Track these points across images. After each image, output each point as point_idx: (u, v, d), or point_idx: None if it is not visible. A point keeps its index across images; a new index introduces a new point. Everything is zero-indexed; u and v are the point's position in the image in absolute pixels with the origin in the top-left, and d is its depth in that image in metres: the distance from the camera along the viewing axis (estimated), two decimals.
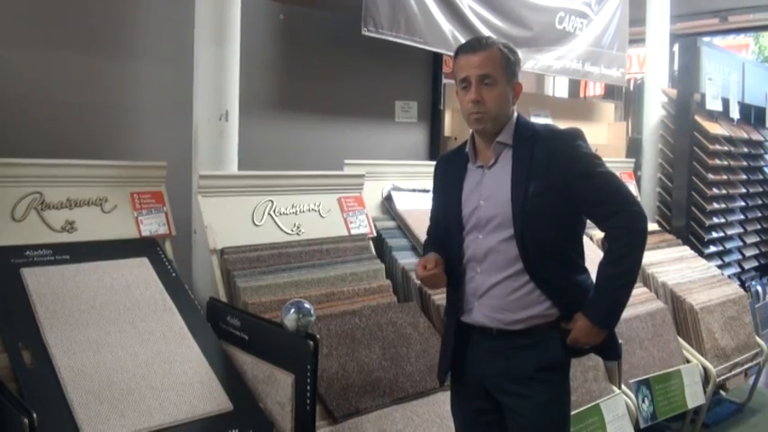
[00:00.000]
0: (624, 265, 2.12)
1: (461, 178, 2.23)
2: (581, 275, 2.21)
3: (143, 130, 3.68)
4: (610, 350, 2.29)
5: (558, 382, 2.19)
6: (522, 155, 2.13)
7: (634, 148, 5.87)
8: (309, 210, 3.20)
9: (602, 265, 2.15)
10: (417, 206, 3.52)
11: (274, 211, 3.09)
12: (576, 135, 2.18)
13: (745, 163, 5.50)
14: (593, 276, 2.21)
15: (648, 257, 4.31)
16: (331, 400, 2.54)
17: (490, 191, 2.16)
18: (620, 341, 2.35)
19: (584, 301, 2.15)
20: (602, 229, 2.21)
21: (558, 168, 2.10)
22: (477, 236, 2.16)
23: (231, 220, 2.95)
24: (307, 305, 2.26)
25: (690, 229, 5.03)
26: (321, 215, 3.23)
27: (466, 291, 2.21)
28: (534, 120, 5.09)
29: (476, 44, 2.16)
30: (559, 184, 2.10)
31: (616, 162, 5.01)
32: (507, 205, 2.11)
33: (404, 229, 3.50)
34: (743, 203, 5.51)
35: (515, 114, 2.20)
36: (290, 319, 2.23)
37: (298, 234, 3.12)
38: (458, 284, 2.24)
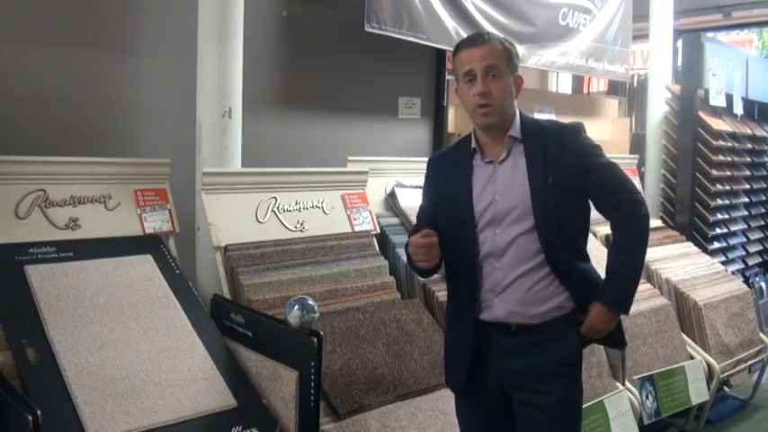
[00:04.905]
0: (635, 250, 2.19)
1: (468, 174, 2.20)
2: (589, 265, 2.25)
3: (147, 127, 3.68)
4: (617, 339, 2.31)
5: (575, 375, 2.20)
6: (534, 148, 2.15)
7: (638, 144, 5.87)
8: (313, 206, 3.20)
9: (613, 252, 2.21)
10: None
11: (278, 207, 3.09)
12: (582, 128, 2.23)
13: (748, 159, 5.49)
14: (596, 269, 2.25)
15: (652, 254, 4.31)
16: (335, 397, 2.54)
17: (505, 185, 2.15)
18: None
19: (594, 291, 2.17)
20: (609, 218, 2.24)
21: (570, 161, 2.13)
22: (493, 231, 2.14)
23: (235, 217, 2.95)
24: (310, 302, 2.26)
25: (693, 226, 5.03)
26: (325, 212, 3.23)
27: (483, 288, 2.18)
28: (538, 116, 5.11)
29: (478, 38, 2.17)
30: (573, 176, 2.12)
31: (620, 158, 4.99)
32: (526, 198, 2.11)
33: (407, 225, 3.50)
34: (746, 199, 5.51)
35: (517, 110, 2.21)
36: (293, 316, 2.23)
37: (301, 231, 3.13)
38: (473, 282, 2.19)
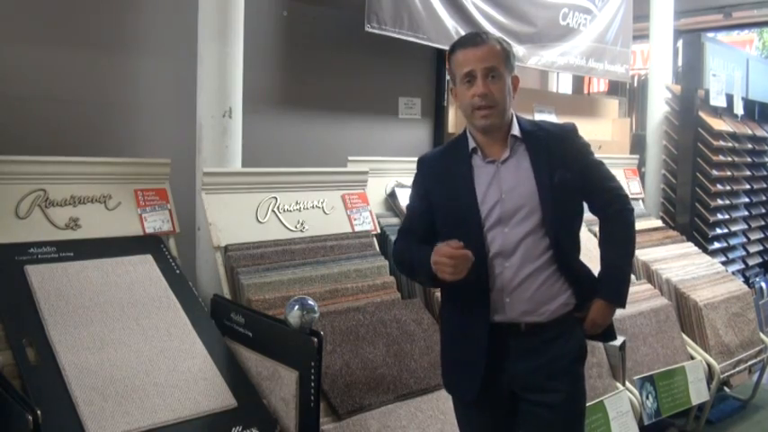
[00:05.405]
0: (629, 244, 2.28)
1: (469, 174, 2.18)
2: (581, 261, 2.27)
3: (147, 127, 3.68)
4: (610, 333, 2.35)
5: (581, 372, 2.22)
6: (537, 147, 2.16)
7: (638, 145, 5.86)
8: (313, 206, 3.20)
9: (609, 248, 2.27)
10: None
11: (278, 207, 3.09)
12: (576, 128, 2.27)
13: (749, 159, 5.49)
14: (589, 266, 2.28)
15: (652, 254, 4.31)
16: (335, 397, 2.54)
17: (511, 183, 2.14)
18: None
19: (591, 288, 2.21)
20: (601, 214, 2.29)
21: (571, 160, 2.16)
22: (502, 230, 2.13)
23: (235, 217, 2.95)
24: (310, 302, 2.26)
25: (694, 226, 5.02)
26: (325, 212, 3.23)
27: (494, 288, 2.15)
28: (538, 116, 5.11)
29: (476, 39, 2.15)
30: (574, 174, 2.15)
31: (620, 158, 5.00)
32: (533, 196, 2.12)
33: None
34: (747, 200, 5.51)
35: (512, 111, 2.22)
36: (293, 316, 2.23)
37: (301, 231, 3.13)
38: (482, 283, 2.14)
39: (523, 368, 2.15)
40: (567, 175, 2.13)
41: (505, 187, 2.14)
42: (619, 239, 2.26)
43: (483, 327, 2.14)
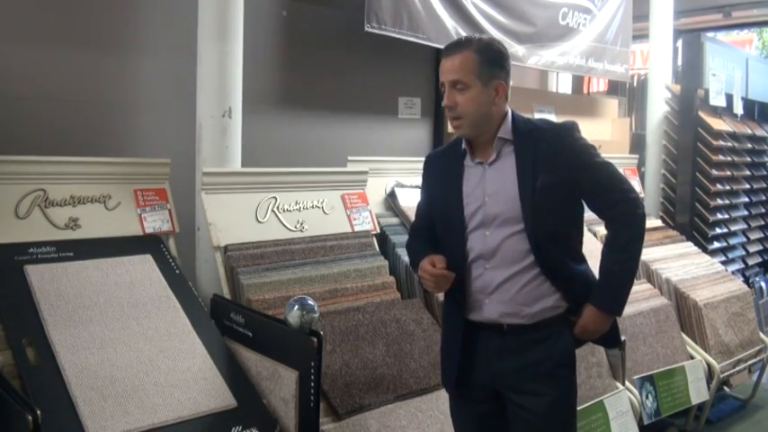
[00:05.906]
0: (631, 250, 2.16)
1: (459, 176, 2.20)
2: (583, 265, 2.23)
3: (147, 127, 3.68)
4: (611, 338, 2.30)
5: (569, 377, 2.19)
6: (525, 149, 2.13)
7: (638, 144, 5.87)
8: (313, 206, 3.20)
9: (608, 252, 2.18)
10: None
11: (278, 207, 3.09)
12: (575, 128, 2.20)
13: (748, 159, 5.49)
14: (591, 268, 2.24)
15: (652, 254, 4.31)
16: (335, 397, 2.54)
17: (495, 187, 2.13)
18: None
19: (587, 291, 2.16)
20: (605, 217, 2.22)
21: (564, 161, 2.11)
22: (483, 232, 2.14)
23: (235, 217, 2.95)
24: (310, 302, 2.26)
25: (693, 226, 5.03)
26: (325, 212, 3.23)
27: (473, 289, 2.17)
28: (538, 116, 5.11)
29: (452, 48, 2.15)
30: (566, 176, 2.10)
31: (620, 158, 5.00)
32: (515, 200, 2.10)
33: (407, 225, 3.50)
34: (746, 199, 5.51)
35: (509, 111, 2.18)
36: (293, 316, 2.23)
37: (301, 231, 3.13)
38: (462, 283, 2.19)
39: (505, 368, 2.15)
40: (555, 178, 2.08)
41: (489, 191, 2.14)
42: (621, 243, 2.15)
43: (460, 324, 2.19)
